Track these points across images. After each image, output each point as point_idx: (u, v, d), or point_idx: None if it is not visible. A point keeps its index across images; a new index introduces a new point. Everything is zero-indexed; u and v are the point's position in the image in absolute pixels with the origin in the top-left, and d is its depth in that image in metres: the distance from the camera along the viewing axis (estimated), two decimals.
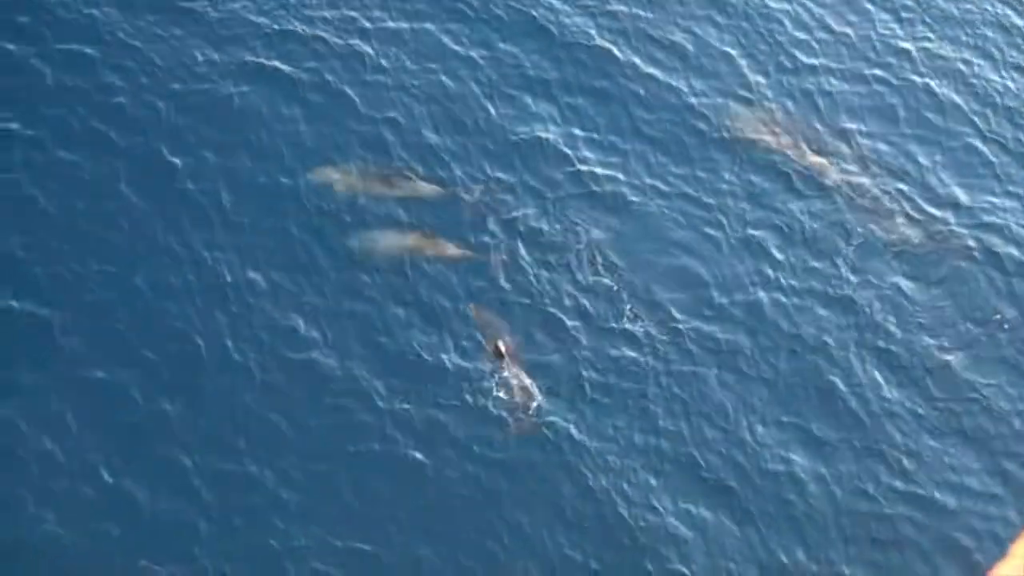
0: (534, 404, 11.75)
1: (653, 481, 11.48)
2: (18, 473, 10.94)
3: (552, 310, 12.43)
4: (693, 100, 14.22)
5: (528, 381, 11.87)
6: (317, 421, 11.48)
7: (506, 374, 11.85)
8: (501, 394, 11.74)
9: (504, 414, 11.65)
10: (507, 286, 12.53)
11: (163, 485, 11.01)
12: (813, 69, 14.76)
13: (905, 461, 11.86)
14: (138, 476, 11.03)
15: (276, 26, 14.10)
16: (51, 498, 10.82)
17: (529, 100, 13.99)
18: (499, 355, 11.95)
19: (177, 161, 12.94)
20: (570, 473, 11.43)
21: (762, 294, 12.83)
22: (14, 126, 12.94)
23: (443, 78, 13.98)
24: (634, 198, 13.37)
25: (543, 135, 13.72)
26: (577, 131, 13.84)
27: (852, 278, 13.05)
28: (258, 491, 11.04)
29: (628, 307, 12.54)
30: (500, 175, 13.33)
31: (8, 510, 10.74)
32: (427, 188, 13.05)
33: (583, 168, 13.54)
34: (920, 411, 12.18)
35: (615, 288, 12.67)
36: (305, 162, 13.11)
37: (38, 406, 11.34)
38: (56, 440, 11.14)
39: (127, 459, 11.10)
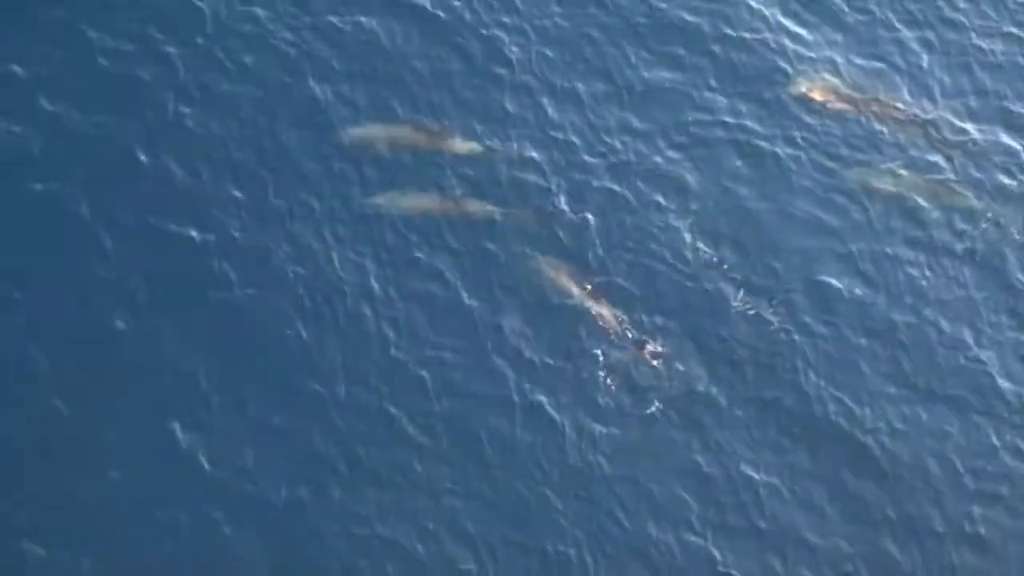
0: (649, 359, 12.02)
1: (783, 442, 11.77)
2: (162, 396, 11.47)
3: (679, 267, 12.60)
4: (838, 57, 14.14)
5: (644, 338, 12.13)
6: (457, 366, 11.87)
7: (602, 313, 12.11)
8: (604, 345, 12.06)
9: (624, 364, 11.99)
10: (630, 243, 12.70)
11: (305, 419, 11.53)
12: (958, 26, 14.56)
13: None
14: (286, 409, 11.56)
15: None
16: (199, 425, 11.37)
17: (667, 51, 14.02)
18: (595, 299, 12.21)
19: (327, 96, 13.22)
20: (702, 437, 11.74)
21: (902, 253, 12.89)
22: (172, 50, 13.32)
23: (589, 29, 14.09)
24: (765, 144, 13.42)
25: (671, 85, 13.78)
26: (710, 80, 13.87)
27: (994, 234, 13.05)
28: (396, 433, 11.51)
29: (758, 261, 12.69)
30: (627, 123, 13.43)
31: (151, 438, 11.27)
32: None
33: (705, 118, 13.59)
34: None
35: (743, 242, 12.80)
36: (458, 108, 13.34)
37: (185, 330, 11.85)
38: (202, 367, 11.64)
39: (278, 391, 11.63)
